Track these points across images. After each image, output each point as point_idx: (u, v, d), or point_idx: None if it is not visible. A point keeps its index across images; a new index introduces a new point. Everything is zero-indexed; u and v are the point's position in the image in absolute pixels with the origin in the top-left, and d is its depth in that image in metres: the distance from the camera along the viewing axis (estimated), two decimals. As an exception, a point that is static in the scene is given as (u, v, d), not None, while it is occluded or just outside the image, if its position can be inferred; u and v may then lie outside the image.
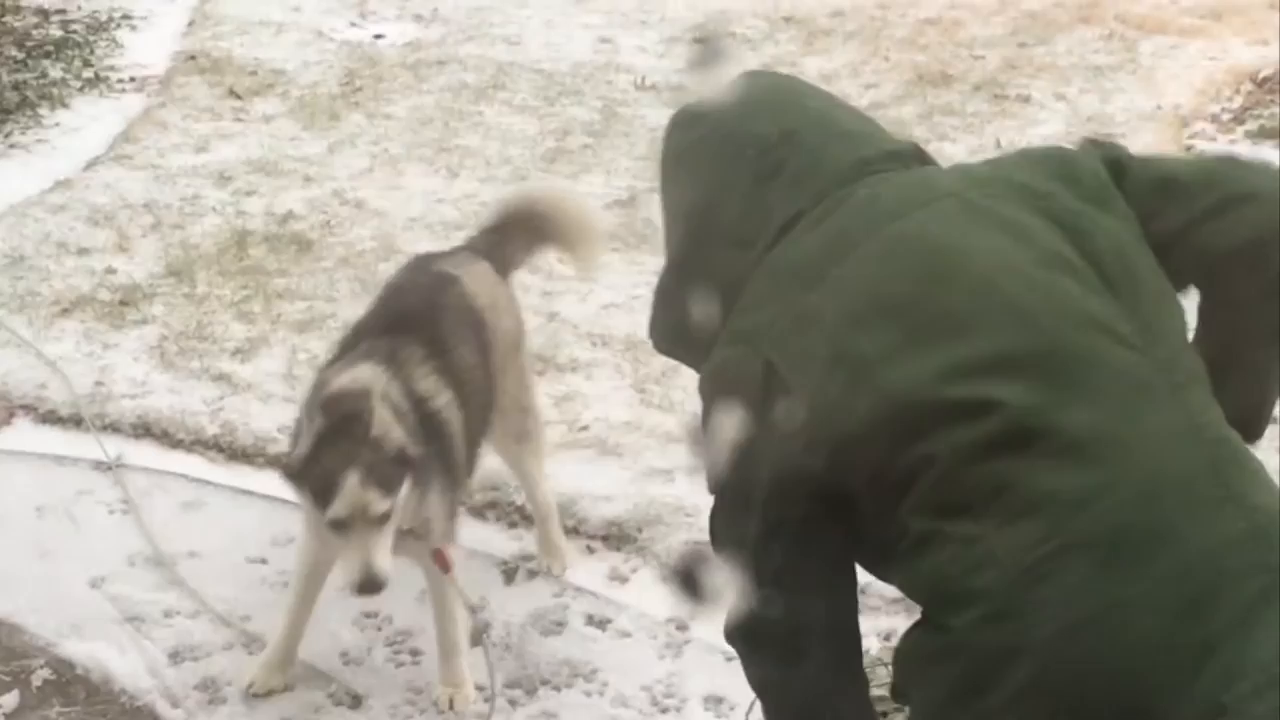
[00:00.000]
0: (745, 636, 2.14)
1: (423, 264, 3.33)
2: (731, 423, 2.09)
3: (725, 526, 2.14)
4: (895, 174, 2.19)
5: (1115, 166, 2.18)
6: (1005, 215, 2.08)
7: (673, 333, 2.39)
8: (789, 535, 2.05)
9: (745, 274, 2.15)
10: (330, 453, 2.69)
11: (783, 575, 2.07)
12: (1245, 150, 5.51)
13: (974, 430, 1.92)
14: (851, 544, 2.08)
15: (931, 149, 5.60)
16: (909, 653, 2.03)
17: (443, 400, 2.95)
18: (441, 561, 2.92)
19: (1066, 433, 1.92)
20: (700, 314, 2.24)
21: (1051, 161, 2.20)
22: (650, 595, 3.23)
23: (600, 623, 3.16)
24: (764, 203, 2.19)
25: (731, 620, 2.13)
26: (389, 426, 2.76)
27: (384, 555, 2.70)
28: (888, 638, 2.94)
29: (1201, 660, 1.85)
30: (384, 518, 2.69)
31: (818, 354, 2.01)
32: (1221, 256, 2.14)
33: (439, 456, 2.90)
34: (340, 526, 2.69)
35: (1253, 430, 2.22)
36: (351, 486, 2.65)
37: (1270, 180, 2.22)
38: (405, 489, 2.73)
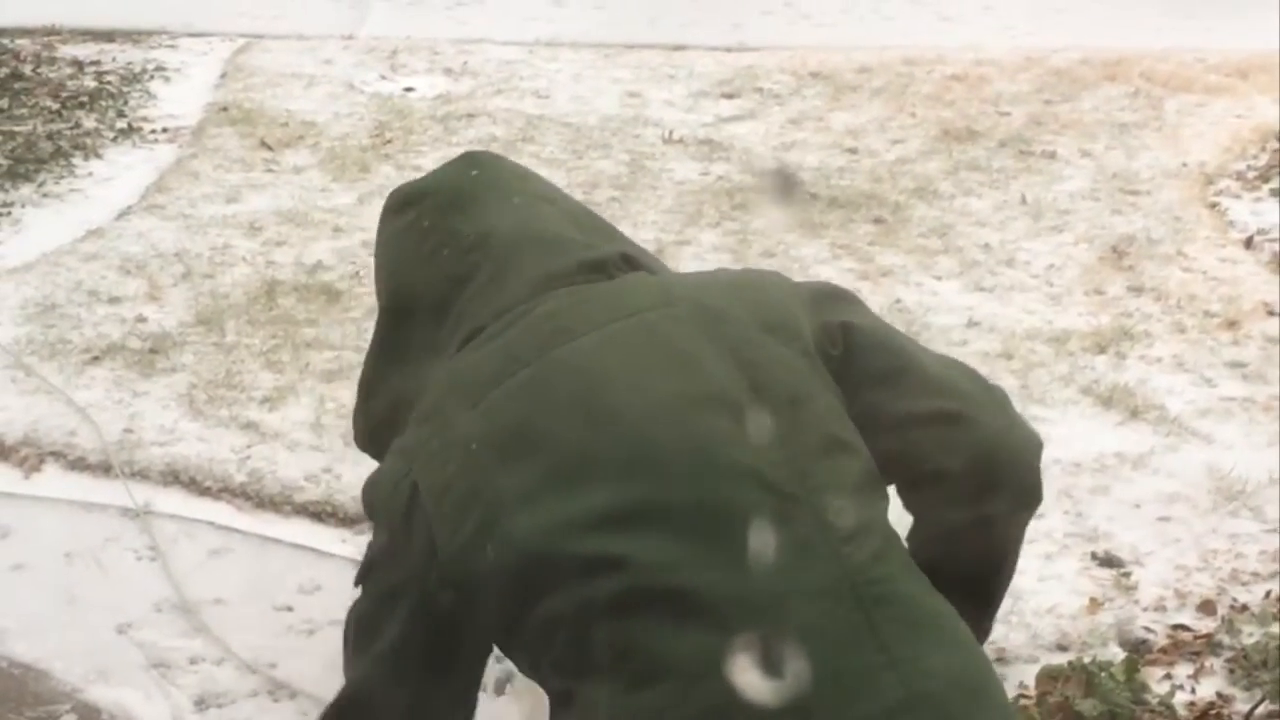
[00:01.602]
0: None
1: None
2: (376, 542, 2.01)
3: (355, 644, 2.05)
4: (586, 288, 2.07)
5: (836, 317, 2.07)
6: (679, 344, 1.96)
7: (368, 428, 2.29)
8: (411, 666, 1.97)
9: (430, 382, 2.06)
10: None
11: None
12: (1271, 207, 5.54)
13: (600, 587, 1.78)
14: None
15: (957, 204, 5.70)
16: None
17: None
18: None
19: (697, 593, 1.77)
20: (389, 415, 2.15)
21: (749, 288, 2.10)
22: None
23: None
24: (453, 310, 2.10)
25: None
26: None
27: None
28: None
29: None
30: None
31: (458, 485, 1.88)
32: (923, 473, 2.05)
33: None
34: None
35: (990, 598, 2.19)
36: None
37: (998, 414, 2.11)
38: None
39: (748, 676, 1.72)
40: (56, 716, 3.00)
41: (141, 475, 3.74)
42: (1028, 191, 5.68)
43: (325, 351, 4.32)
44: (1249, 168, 5.99)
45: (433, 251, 2.16)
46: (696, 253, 5.05)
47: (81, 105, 6.39)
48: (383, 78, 6.93)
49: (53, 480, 3.74)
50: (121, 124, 6.20)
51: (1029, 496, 2.12)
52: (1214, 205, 5.63)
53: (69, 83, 6.67)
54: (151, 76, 6.83)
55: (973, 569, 2.11)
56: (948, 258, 5.08)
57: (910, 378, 2.07)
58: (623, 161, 5.93)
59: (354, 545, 3.48)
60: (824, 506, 1.85)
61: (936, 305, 4.70)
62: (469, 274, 2.10)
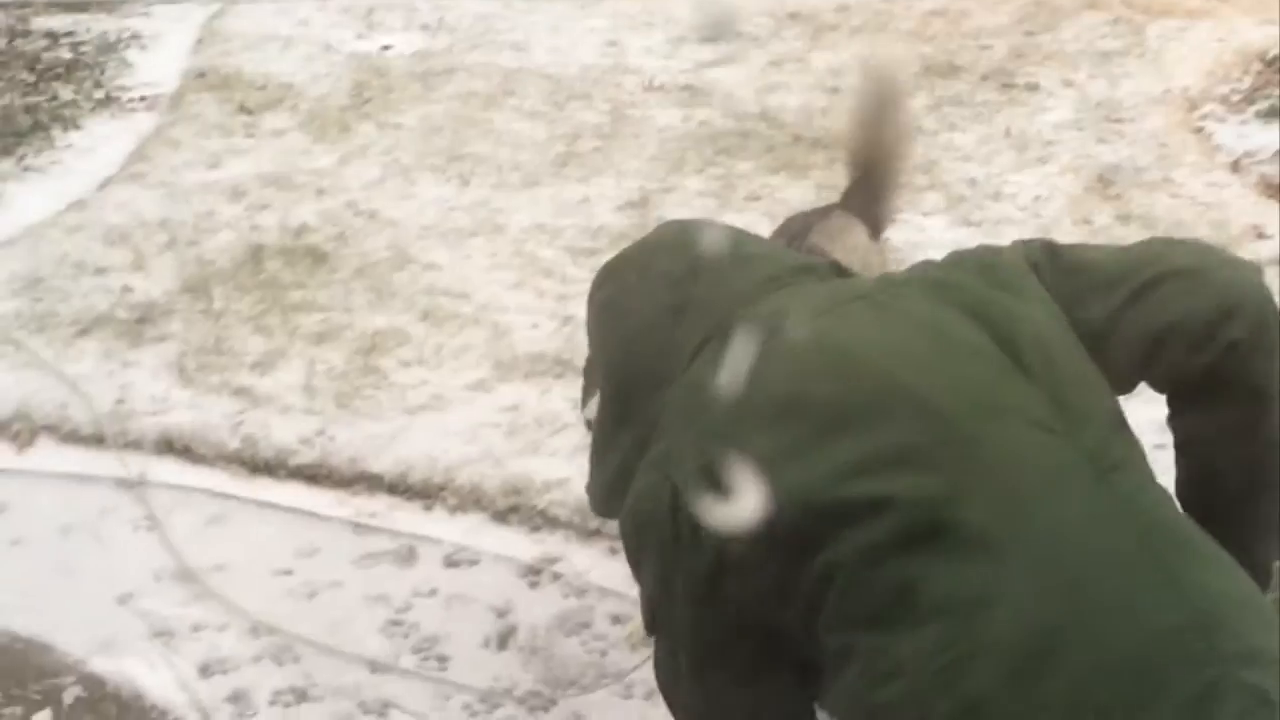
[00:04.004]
0: None
1: (792, 232, 3.09)
2: (649, 573, 2.02)
3: (664, 674, 2.12)
4: (805, 286, 2.12)
5: (1037, 256, 2.10)
6: (913, 310, 1.99)
7: (608, 490, 2.29)
8: (722, 670, 1.99)
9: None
10: None
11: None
12: (1256, 130, 5.52)
13: (872, 530, 1.78)
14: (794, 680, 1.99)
15: (941, 140, 5.67)
16: None
17: None
18: None
19: (969, 525, 1.76)
20: (625, 465, 2.15)
21: (970, 258, 2.13)
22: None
23: (626, 622, 3.17)
24: (675, 337, 2.13)
25: None
26: None
27: None
28: None
29: None
30: None
31: (718, 463, 1.88)
32: (1153, 338, 2.01)
33: None
34: None
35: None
36: None
37: (1204, 256, 2.09)
38: None
39: (1028, 601, 1.73)
40: (61, 689, 3.00)
41: (135, 446, 3.73)
42: (1012, 124, 5.66)
43: (314, 314, 4.31)
44: (1233, 91, 5.96)
45: (647, 297, 2.20)
46: (682, 199, 5.04)
47: (58, 77, 6.35)
48: (359, 37, 6.89)
49: (47, 454, 3.74)
50: (99, 94, 6.16)
51: (1266, 310, 2.04)
52: (1199, 130, 5.61)
53: (44, 55, 6.63)
54: (127, 45, 6.78)
55: (1241, 409, 2.04)
56: (934, 193, 5.07)
57: (1110, 266, 2.07)
58: (604, 111, 5.90)
59: (350, 507, 3.48)
60: (1088, 439, 1.86)
61: (924, 242, 4.69)
62: (684, 302, 2.14)
